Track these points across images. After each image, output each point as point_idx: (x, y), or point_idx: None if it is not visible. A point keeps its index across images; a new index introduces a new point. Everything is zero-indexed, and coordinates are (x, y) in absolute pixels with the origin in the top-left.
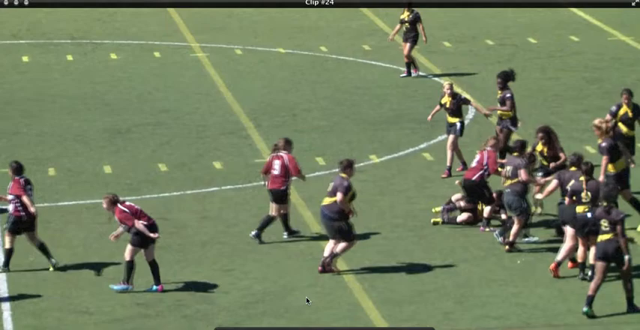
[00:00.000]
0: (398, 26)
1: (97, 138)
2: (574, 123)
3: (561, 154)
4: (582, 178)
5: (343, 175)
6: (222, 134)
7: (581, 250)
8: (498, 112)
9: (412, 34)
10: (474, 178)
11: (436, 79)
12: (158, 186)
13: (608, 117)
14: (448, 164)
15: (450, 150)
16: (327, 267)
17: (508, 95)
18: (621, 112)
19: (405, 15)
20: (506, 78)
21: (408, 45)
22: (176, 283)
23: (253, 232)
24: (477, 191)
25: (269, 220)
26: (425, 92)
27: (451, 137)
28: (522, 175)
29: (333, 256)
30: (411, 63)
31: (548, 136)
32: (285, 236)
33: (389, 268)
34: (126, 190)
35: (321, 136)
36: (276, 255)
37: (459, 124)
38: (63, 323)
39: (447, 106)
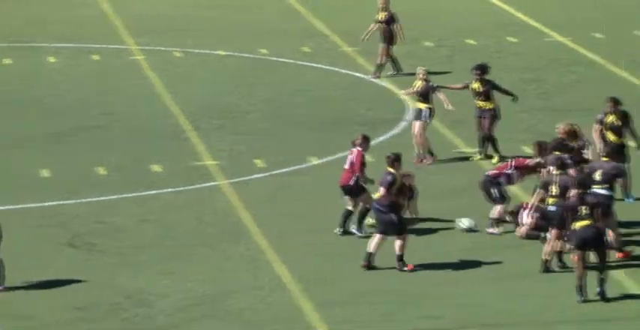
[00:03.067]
0: (372, 25)
1: (36, 142)
2: (515, 124)
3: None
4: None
5: (390, 169)
6: (162, 137)
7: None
8: (479, 103)
9: (388, 35)
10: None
11: (376, 81)
12: (97, 189)
13: (596, 126)
14: (418, 150)
15: (419, 136)
16: (372, 263)
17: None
18: (608, 120)
19: (381, 15)
20: (483, 70)
21: (383, 45)
22: (114, 287)
23: (339, 229)
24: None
25: (347, 214)
26: (365, 94)
27: (419, 123)
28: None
29: (399, 258)
30: (383, 65)
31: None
32: (337, 231)
33: (329, 270)
34: (64, 193)
35: (261, 138)
36: (215, 258)
37: (427, 110)
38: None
39: (419, 90)
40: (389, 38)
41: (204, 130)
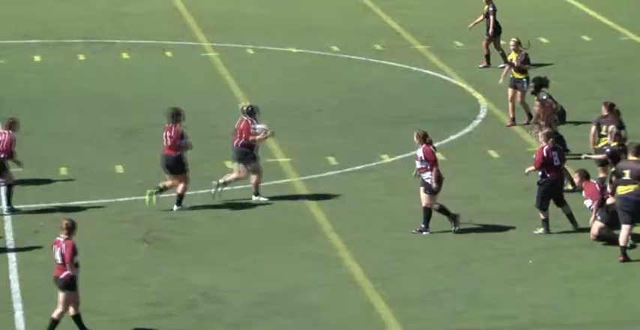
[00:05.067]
0: (480, 18)
1: (109, 138)
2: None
3: None
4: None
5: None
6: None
7: None
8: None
9: (487, 27)
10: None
11: (447, 78)
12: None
13: (593, 128)
14: (511, 115)
15: (512, 103)
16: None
17: (543, 97)
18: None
19: (485, 8)
20: (540, 84)
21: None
22: (187, 283)
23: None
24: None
25: (425, 212)
26: (436, 92)
27: (518, 93)
28: None
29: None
30: (491, 55)
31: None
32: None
33: (401, 268)
34: (137, 190)
35: (332, 135)
36: (287, 255)
37: (525, 80)
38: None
39: (514, 61)
40: (486, 30)
41: (275, 127)
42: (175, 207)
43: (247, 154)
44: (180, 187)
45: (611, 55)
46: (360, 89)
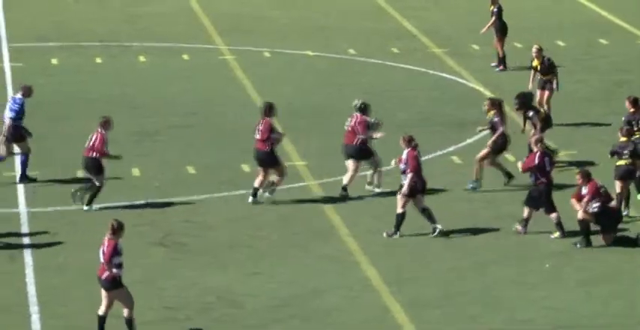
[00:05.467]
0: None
1: (126, 140)
2: (602, 125)
3: None
4: None
5: None
6: (251, 137)
7: None
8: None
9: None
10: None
11: (463, 81)
12: (186, 189)
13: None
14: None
15: (543, 104)
16: None
17: (530, 113)
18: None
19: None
20: (525, 100)
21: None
22: (204, 287)
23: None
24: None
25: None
26: (453, 95)
27: (546, 93)
28: None
29: None
30: (503, 56)
31: None
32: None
33: (417, 271)
34: (154, 192)
35: None
36: (303, 258)
37: (554, 81)
38: (92, 326)
39: (538, 69)
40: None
41: (292, 130)
42: (251, 198)
43: (363, 150)
44: (276, 178)
45: (628, 57)
46: (377, 93)
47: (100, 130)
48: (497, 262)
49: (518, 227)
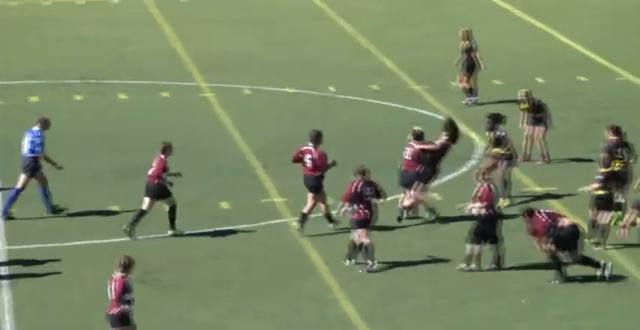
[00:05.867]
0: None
1: (106, 177)
2: (582, 162)
3: None
4: None
5: None
6: (230, 174)
7: None
8: (494, 150)
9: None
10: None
11: (441, 117)
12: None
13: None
14: (528, 152)
15: (538, 141)
16: None
17: (502, 134)
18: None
19: (461, 44)
20: (496, 120)
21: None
22: (185, 324)
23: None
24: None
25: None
26: (434, 132)
27: (536, 130)
28: None
29: None
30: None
31: None
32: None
33: (395, 307)
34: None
35: (329, 175)
36: (284, 295)
37: (545, 117)
38: None
39: (529, 110)
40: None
41: (272, 167)
42: (297, 224)
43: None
44: (322, 206)
45: (608, 95)
46: (357, 130)
47: (160, 155)
48: (477, 297)
49: (472, 265)
